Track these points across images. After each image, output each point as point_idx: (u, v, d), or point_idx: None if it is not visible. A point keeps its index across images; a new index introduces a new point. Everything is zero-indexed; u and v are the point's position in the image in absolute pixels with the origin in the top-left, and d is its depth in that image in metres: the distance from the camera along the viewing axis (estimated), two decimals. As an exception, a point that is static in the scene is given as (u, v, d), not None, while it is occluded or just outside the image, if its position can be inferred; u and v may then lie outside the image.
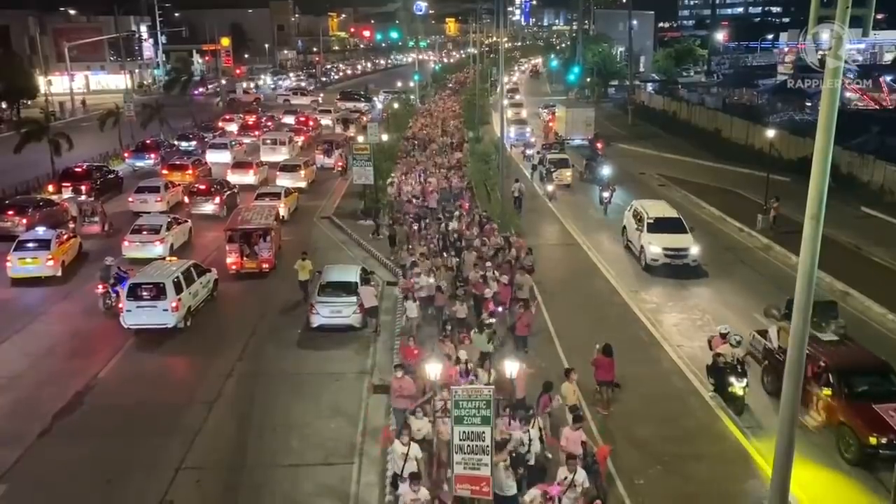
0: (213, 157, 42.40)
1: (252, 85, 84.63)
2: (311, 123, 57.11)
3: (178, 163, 38.67)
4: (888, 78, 60.06)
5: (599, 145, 48.01)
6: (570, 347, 18.42)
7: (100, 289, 21.14)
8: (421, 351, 15.13)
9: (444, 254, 23.45)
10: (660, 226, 25.02)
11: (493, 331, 16.92)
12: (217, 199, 31.79)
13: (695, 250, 24.46)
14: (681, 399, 16.40)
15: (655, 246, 24.46)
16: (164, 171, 37.43)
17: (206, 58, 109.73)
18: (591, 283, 24.21)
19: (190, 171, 37.21)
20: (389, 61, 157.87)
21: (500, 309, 18.77)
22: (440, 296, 19.41)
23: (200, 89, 71.79)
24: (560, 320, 20.35)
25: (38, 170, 35.87)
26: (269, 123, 58.08)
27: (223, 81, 79.58)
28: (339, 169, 41.57)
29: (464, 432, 11.11)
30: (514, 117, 56.33)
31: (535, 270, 22.46)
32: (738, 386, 15.45)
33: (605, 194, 33.30)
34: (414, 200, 31.06)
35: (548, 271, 24.47)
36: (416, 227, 26.71)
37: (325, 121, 60.73)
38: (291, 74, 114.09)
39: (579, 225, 31.14)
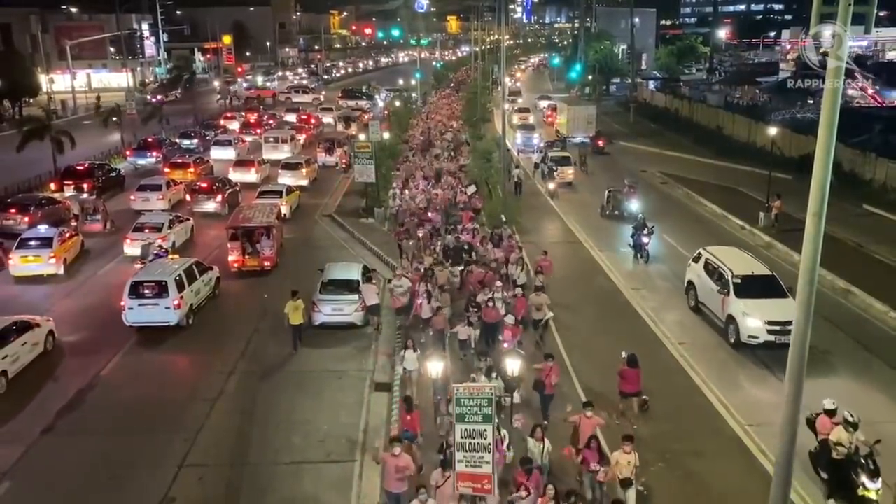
0: (218, 153, 42.65)
1: (234, 87, 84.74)
2: (312, 121, 57.15)
3: (179, 161, 38.77)
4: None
5: (601, 143, 48.21)
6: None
7: (138, 266, 21.89)
8: (423, 416, 13.89)
9: (446, 265, 21.65)
10: (752, 288, 18.96)
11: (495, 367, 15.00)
12: (219, 197, 31.83)
13: None
14: (682, 396, 16.38)
15: (755, 318, 18.09)
16: (166, 169, 37.52)
17: (208, 56, 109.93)
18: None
19: (192, 170, 37.28)
20: (391, 59, 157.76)
21: (512, 339, 16.76)
22: (439, 318, 17.94)
23: (158, 97, 68.16)
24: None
25: (40, 168, 35.88)
26: (271, 121, 58.13)
27: (216, 83, 79.33)
28: (344, 166, 41.66)
29: (465, 430, 11.18)
30: (521, 122, 54.78)
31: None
32: (872, 488, 11.68)
33: (645, 240, 25.38)
34: (430, 215, 28.61)
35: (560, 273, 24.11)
36: (421, 238, 25.40)
37: (327, 119, 60.73)
38: (290, 73, 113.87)
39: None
